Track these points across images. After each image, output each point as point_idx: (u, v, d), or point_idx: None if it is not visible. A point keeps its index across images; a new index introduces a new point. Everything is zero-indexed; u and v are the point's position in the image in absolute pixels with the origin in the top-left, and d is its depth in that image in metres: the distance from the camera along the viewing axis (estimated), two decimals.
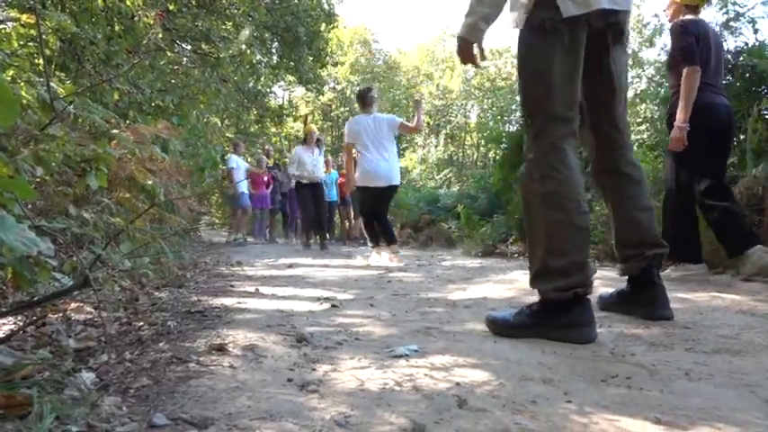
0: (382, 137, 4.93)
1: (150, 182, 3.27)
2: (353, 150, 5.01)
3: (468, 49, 1.85)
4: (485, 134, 9.85)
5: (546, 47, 1.69)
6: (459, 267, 4.37)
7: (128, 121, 4.13)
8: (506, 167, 6.79)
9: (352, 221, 10.11)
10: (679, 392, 1.21)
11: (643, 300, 1.97)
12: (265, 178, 9.95)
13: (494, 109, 21.05)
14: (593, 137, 1.96)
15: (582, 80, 1.74)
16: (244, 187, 9.11)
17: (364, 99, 5.03)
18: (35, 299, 1.57)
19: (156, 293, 2.57)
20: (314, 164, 7.22)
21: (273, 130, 22.37)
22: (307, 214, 7.46)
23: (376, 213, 4.93)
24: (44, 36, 3.48)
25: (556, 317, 1.67)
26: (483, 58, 1.87)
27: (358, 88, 5.66)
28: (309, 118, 7.62)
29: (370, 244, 5.14)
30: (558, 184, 1.67)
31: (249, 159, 12.01)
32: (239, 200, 9.04)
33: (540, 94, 1.71)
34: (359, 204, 5.59)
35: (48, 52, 3.76)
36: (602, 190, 2.03)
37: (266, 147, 11.23)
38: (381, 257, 4.81)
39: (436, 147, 20.99)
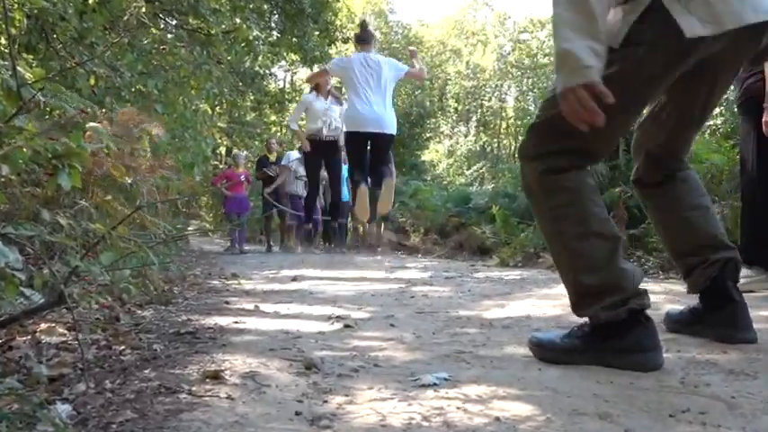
0: (377, 81, 4.94)
1: (130, 180, 3.32)
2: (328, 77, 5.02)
3: (578, 100, 1.47)
4: (524, 121, 9.82)
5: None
6: (496, 280, 4.35)
7: (104, 110, 4.19)
8: None
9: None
10: (765, 431, 1.20)
11: (719, 319, 1.95)
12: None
13: (535, 90, 20.94)
14: (643, 153, 1.97)
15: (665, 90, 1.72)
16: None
17: (361, 35, 5.04)
18: (0, 318, 1.60)
19: (140, 312, 2.60)
20: (329, 114, 6.96)
21: (274, 118, 22.57)
22: (312, 194, 7.22)
23: (364, 166, 4.94)
24: (9, 12, 3.55)
25: (613, 339, 1.66)
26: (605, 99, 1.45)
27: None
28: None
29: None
30: (568, 193, 1.68)
31: (247, 154, 12.17)
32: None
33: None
34: (348, 159, 5.53)
35: (13, 31, 3.84)
36: (644, 198, 2.05)
37: (269, 140, 11.27)
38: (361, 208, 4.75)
39: (466, 136, 21.00)
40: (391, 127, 4.92)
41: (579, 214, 1.68)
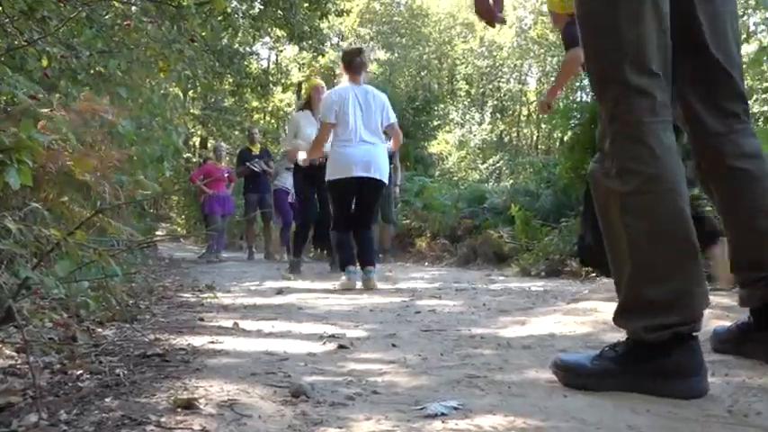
0: (371, 118, 5.00)
1: (89, 178, 3.33)
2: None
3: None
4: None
5: None
6: (515, 292, 4.36)
7: (59, 95, 4.20)
8: (578, 152, 6.77)
9: None
10: None
11: None
12: (225, 174, 10.07)
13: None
14: (683, 119, 1.95)
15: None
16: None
17: (351, 63, 5.10)
18: None
19: (100, 330, 2.60)
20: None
21: (255, 104, 22.60)
22: (306, 213, 7.24)
23: (351, 220, 5.00)
24: None
25: (651, 362, 1.66)
26: (500, 8, 1.83)
27: (343, 49, 5.69)
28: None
29: (329, 266, 5.23)
30: (646, 179, 1.66)
31: (227, 146, 12.18)
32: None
33: (605, 52, 1.70)
34: (331, 207, 5.57)
35: None
36: (708, 193, 2.02)
37: (251, 129, 11.28)
38: (354, 282, 4.89)
39: (480, 124, 21.01)
40: (382, 173, 5.03)
41: (652, 208, 1.65)
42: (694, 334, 1.67)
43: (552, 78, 21.38)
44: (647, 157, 1.67)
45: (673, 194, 1.66)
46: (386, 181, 5.07)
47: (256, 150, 10.26)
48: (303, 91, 14.19)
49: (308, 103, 7.09)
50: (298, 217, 8.54)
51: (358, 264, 5.01)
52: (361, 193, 5.09)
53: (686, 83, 1.89)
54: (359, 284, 4.92)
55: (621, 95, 1.70)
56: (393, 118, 5.13)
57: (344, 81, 5.20)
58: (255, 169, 9.81)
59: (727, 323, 2.21)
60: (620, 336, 1.80)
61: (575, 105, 8.09)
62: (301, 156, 5.97)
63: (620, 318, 1.73)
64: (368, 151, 4.95)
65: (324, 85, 7.21)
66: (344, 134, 4.99)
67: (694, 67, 1.87)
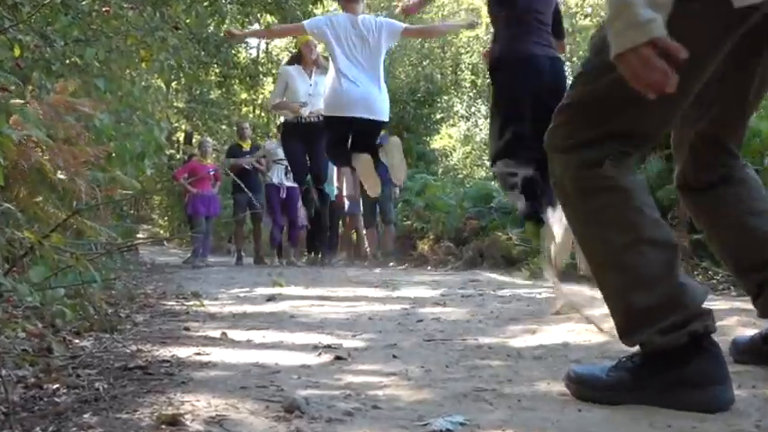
0: (366, 53, 4.96)
1: (65, 176, 3.34)
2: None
3: (642, 61, 1.46)
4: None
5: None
6: (525, 299, 4.35)
7: (32, 88, 4.20)
8: None
9: (362, 232, 10.14)
10: None
11: None
12: (211, 171, 10.05)
13: (574, 60, 20.97)
14: (687, 148, 1.99)
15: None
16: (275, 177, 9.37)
17: None
18: None
19: (78, 341, 2.61)
20: (312, 95, 6.97)
21: (244, 96, 22.58)
22: (297, 170, 7.22)
23: (344, 151, 5.09)
24: None
25: (671, 371, 1.66)
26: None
27: None
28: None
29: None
30: (610, 193, 1.69)
31: (214, 142, 12.17)
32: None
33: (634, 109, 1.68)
34: (325, 145, 5.53)
35: None
36: (693, 207, 2.09)
37: (241, 124, 11.25)
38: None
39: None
40: (384, 113, 4.96)
41: (627, 218, 1.69)
42: (712, 338, 1.68)
43: (566, 66, 21.43)
44: (606, 174, 1.70)
45: (640, 203, 1.70)
46: (386, 120, 5.03)
47: (247, 147, 10.23)
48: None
49: (299, 57, 7.10)
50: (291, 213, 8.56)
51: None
52: (358, 134, 5.05)
53: (708, 119, 1.93)
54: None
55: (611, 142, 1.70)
56: (400, 24, 5.07)
57: (338, 12, 5.15)
58: (246, 166, 9.80)
59: (751, 331, 2.21)
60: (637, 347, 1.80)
61: None
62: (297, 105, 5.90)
63: (627, 335, 1.75)
64: (367, 90, 4.90)
65: (316, 46, 7.18)
66: (338, 69, 4.96)
67: (723, 110, 1.92)
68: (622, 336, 1.76)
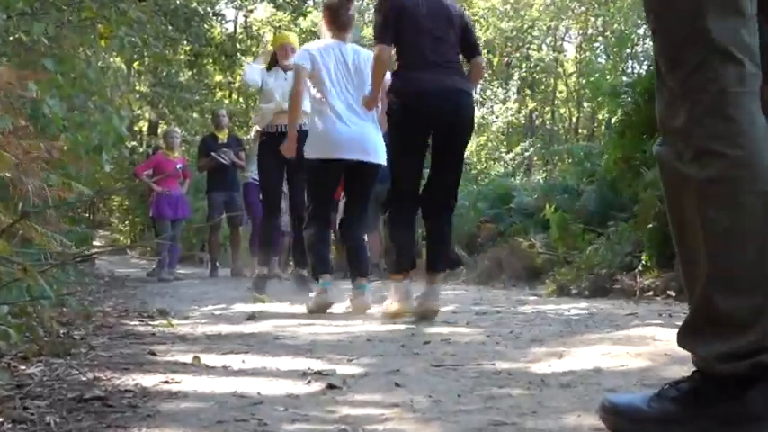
0: (358, 83, 5.01)
1: (9, 174, 3.33)
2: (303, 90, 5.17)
3: None
4: (590, 80, 9.85)
5: None
6: (551, 317, 4.36)
7: None
8: (630, 138, 6.78)
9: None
10: None
11: None
12: (179, 166, 10.03)
13: (607, 35, 21.00)
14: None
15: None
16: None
17: (336, 16, 5.10)
18: None
19: (24, 367, 2.60)
20: (288, 91, 6.58)
21: (219, 78, 22.60)
22: (268, 203, 7.02)
23: (328, 212, 5.19)
24: None
25: (723, 403, 1.66)
26: None
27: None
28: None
29: (306, 272, 5.42)
30: (731, 164, 1.65)
31: (181, 132, 12.13)
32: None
33: (689, 12, 1.70)
34: (307, 192, 5.54)
35: None
36: None
37: (218, 111, 11.20)
38: (329, 301, 4.91)
39: (504, 103, 20.99)
40: (376, 154, 5.01)
41: (737, 199, 1.64)
42: None
43: (596, 44, 21.37)
44: (734, 135, 1.66)
45: (764, 185, 1.66)
46: (383, 162, 5.06)
47: (224, 138, 10.21)
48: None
49: (273, 59, 7.07)
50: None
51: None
52: (352, 181, 5.11)
53: None
54: (339, 305, 4.91)
55: (701, 60, 1.69)
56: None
57: (326, 39, 5.18)
58: (222, 161, 9.78)
59: None
60: (685, 370, 1.80)
61: (625, 79, 8.10)
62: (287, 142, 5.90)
63: (685, 337, 1.72)
64: (361, 129, 4.94)
65: (295, 45, 7.06)
66: (326, 103, 5.00)
67: None
68: (680, 336, 1.73)
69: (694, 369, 1.73)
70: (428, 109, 4.24)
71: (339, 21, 5.08)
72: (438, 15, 4.39)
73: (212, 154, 9.86)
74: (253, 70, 7.31)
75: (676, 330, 1.77)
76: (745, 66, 1.69)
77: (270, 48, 7.73)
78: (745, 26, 1.69)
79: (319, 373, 2.58)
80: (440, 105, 4.24)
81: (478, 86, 21.26)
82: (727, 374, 1.65)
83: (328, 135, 4.90)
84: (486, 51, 22.48)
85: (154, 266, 10.26)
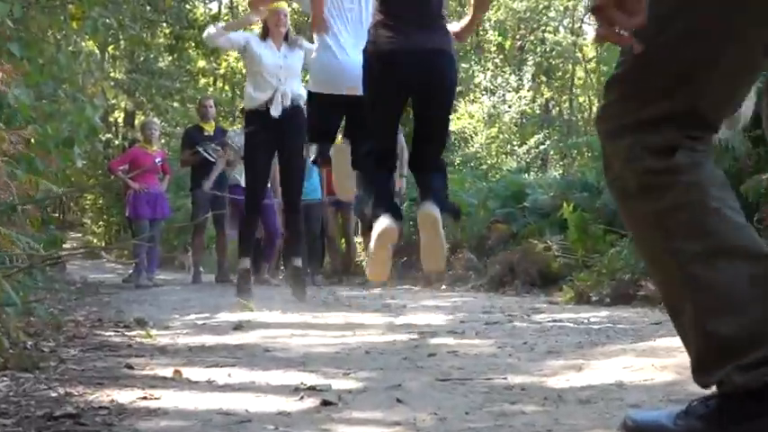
0: (358, 17, 5.21)
1: None
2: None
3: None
4: (610, 66, 9.85)
5: None
6: (569, 326, 4.36)
7: None
8: None
9: (353, 240, 10.13)
10: None
11: None
12: (158, 160, 9.99)
13: None
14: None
15: None
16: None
17: None
18: None
19: None
20: (283, 67, 6.65)
21: (202, 64, 22.57)
22: (251, 190, 6.87)
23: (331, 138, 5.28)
24: None
25: (754, 420, 1.67)
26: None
27: None
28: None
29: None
30: (682, 190, 1.69)
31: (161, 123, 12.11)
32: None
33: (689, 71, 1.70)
34: (307, 125, 5.67)
35: None
36: None
37: (205, 100, 11.09)
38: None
39: (518, 91, 20.97)
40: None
41: (701, 223, 1.69)
42: None
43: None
44: (679, 164, 1.70)
45: (721, 203, 1.70)
46: None
47: (210, 130, 10.15)
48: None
49: (263, 27, 6.86)
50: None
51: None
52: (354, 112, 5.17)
53: None
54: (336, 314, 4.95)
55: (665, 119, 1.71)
56: None
57: None
58: (208, 157, 9.74)
59: None
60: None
61: None
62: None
63: (701, 373, 1.74)
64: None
65: (285, 7, 6.93)
66: (331, 33, 5.18)
67: None
68: (696, 373, 1.76)
69: (720, 388, 1.74)
70: (399, 71, 4.27)
71: None
72: None
73: (197, 148, 9.80)
74: (219, 30, 6.96)
75: None
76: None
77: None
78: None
79: (313, 388, 2.58)
80: (411, 67, 4.26)
81: (488, 73, 21.31)
82: (752, 387, 1.66)
83: (331, 64, 5.19)
84: (496, 34, 22.52)
85: (130, 272, 10.24)
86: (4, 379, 2.69)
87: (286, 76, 6.57)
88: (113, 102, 18.36)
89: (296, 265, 6.63)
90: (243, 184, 9.06)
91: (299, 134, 6.14)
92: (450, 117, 4.86)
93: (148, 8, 10.96)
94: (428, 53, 4.31)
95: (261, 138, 6.43)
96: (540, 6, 23.60)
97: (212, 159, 9.68)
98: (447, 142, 4.63)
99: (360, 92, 4.80)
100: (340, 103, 5.08)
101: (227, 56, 19.96)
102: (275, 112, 6.40)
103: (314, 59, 5.41)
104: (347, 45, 5.07)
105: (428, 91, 4.37)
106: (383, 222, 4.19)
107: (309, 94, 5.35)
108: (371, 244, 4.29)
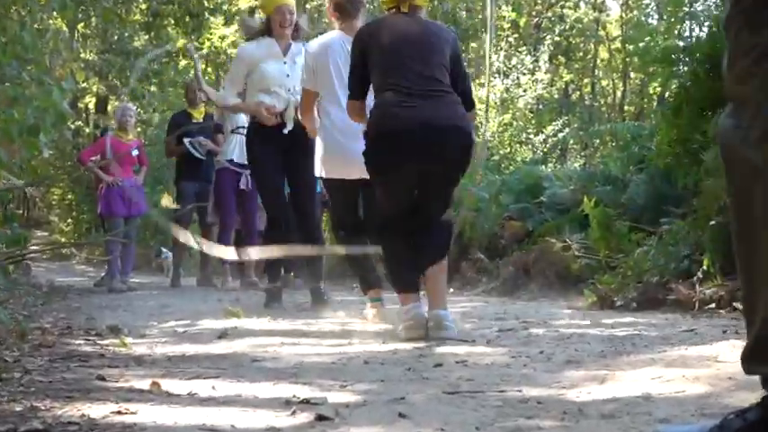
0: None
1: None
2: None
3: None
4: (638, 45, 9.81)
5: None
6: (591, 334, 4.36)
7: None
8: (688, 116, 6.75)
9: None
10: None
11: None
12: (134, 152, 9.98)
13: None
14: None
15: None
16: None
17: (344, 4, 5.21)
18: None
19: None
20: (291, 76, 6.47)
21: (183, 41, 22.55)
22: (274, 209, 6.56)
23: (359, 225, 5.40)
24: None
25: None
26: None
27: None
28: None
29: (356, 286, 5.42)
30: None
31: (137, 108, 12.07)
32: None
33: None
34: (331, 213, 5.92)
35: None
36: None
37: (193, 84, 11.02)
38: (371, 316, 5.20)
39: (533, 74, 20.96)
40: None
41: None
42: None
43: (645, 1, 21.35)
44: None
45: None
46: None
47: (199, 117, 10.13)
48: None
49: (267, 27, 6.59)
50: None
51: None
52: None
53: None
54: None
55: None
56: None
57: (334, 31, 5.34)
58: (196, 155, 9.72)
59: None
60: (754, 397, 1.80)
61: (681, 43, 8.07)
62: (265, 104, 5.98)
63: (750, 360, 1.74)
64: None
65: (292, 3, 6.72)
66: (334, 112, 5.27)
67: None
68: (745, 359, 1.75)
69: (765, 394, 1.73)
70: (407, 151, 4.32)
71: (347, 10, 5.19)
72: (417, 37, 4.52)
73: (185, 142, 9.78)
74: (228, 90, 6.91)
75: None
76: None
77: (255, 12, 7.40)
78: None
79: (306, 401, 2.58)
80: (421, 146, 4.30)
81: (501, 53, 21.30)
82: None
83: (343, 149, 5.27)
84: (510, 10, 22.50)
85: (102, 274, 10.24)
86: None
87: (294, 85, 6.38)
88: (84, 85, 18.37)
89: (318, 286, 6.53)
90: (231, 166, 9.09)
91: (306, 154, 6.10)
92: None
93: None
94: (442, 129, 4.35)
95: (274, 157, 6.34)
96: None
97: (198, 156, 9.66)
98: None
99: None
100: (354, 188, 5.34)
101: (211, 34, 19.94)
102: (289, 127, 6.33)
103: (321, 139, 5.54)
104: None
105: (438, 173, 4.48)
106: (411, 313, 4.30)
107: (324, 181, 5.61)
108: (402, 333, 4.32)
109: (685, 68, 7.31)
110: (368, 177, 4.77)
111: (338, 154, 5.26)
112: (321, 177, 5.56)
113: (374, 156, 4.45)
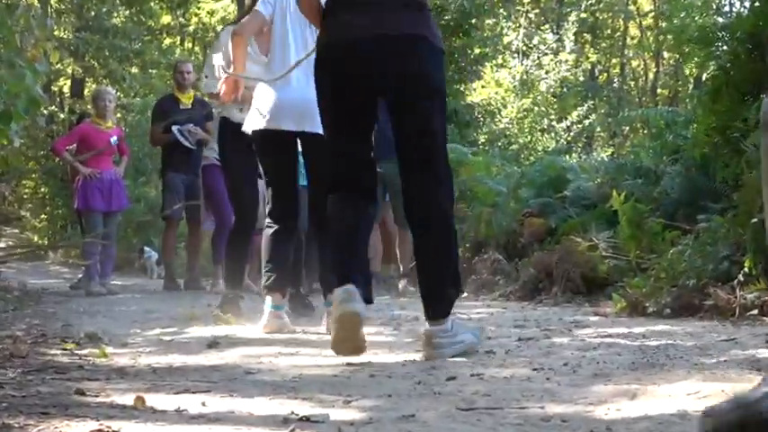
0: (304, 42, 5.39)
1: None
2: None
3: None
4: (673, 23, 9.84)
5: None
6: (620, 344, 4.36)
7: None
8: (728, 101, 6.76)
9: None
10: None
11: None
12: (113, 139, 9.97)
13: None
14: None
15: None
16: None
17: None
18: None
19: None
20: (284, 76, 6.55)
21: (167, 19, 22.56)
22: (241, 208, 6.75)
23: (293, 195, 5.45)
24: None
25: None
26: None
27: None
28: None
29: (263, 280, 5.52)
30: None
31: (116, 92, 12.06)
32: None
33: None
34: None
35: None
36: None
37: (182, 65, 10.95)
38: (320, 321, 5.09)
39: (557, 54, 20.96)
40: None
41: None
42: None
43: None
44: None
45: None
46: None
47: (188, 102, 10.12)
48: None
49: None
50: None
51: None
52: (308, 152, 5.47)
53: None
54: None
55: None
56: None
57: None
58: (186, 143, 9.72)
59: None
60: None
61: (720, 20, 8.07)
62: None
63: None
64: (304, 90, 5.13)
65: (262, 11, 6.89)
66: (275, 63, 5.39)
67: None
68: None
69: None
70: (361, 65, 4.11)
71: None
72: None
73: (173, 130, 9.78)
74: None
75: None
76: None
77: None
78: None
79: (306, 419, 2.58)
80: (377, 59, 4.09)
81: (521, 31, 21.29)
82: None
83: (274, 97, 5.40)
84: None
85: (80, 276, 10.25)
86: None
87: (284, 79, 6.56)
88: (58, 67, 18.38)
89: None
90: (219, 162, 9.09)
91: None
92: (437, 129, 4.24)
93: None
94: (398, 39, 4.10)
95: (241, 156, 6.41)
96: None
97: (188, 145, 9.66)
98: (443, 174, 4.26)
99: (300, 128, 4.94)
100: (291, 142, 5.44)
101: (199, 9, 19.95)
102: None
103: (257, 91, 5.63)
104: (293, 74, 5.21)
105: (403, 91, 4.16)
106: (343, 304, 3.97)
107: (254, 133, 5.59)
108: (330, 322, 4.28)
109: (725, 48, 7.30)
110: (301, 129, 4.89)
111: (272, 100, 5.36)
112: (252, 132, 5.57)
113: (323, 72, 4.22)
